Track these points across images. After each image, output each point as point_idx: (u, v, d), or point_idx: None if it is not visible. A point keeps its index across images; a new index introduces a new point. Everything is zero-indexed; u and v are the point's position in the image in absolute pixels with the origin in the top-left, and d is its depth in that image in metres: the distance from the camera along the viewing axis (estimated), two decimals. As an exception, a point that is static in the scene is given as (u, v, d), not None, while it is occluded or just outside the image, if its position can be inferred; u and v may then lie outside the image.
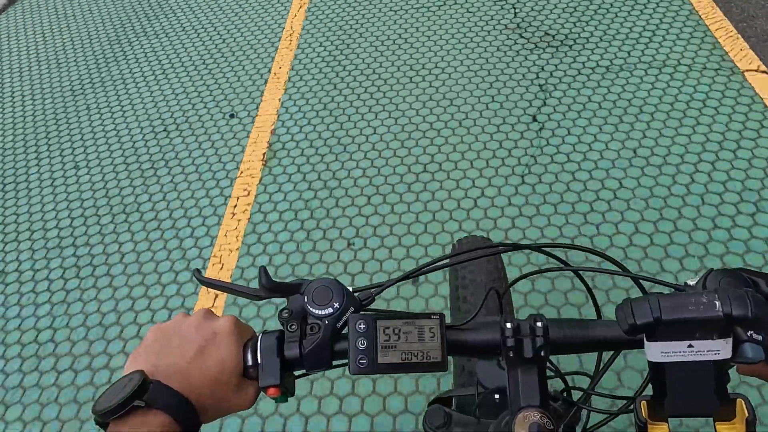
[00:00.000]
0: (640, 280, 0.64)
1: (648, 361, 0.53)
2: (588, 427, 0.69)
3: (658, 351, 0.51)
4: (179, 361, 0.54)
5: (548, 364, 0.61)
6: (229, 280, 2.02)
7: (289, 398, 0.60)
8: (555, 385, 0.66)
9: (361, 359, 0.56)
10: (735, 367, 0.53)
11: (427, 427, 0.68)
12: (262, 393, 0.59)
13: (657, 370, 0.52)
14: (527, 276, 0.72)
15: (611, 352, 0.66)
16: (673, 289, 0.59)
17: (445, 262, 0.66)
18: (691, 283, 0.58)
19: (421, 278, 1.92)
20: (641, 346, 0.53)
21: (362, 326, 0.57)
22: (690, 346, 0.50)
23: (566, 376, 0.68)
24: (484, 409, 0.70)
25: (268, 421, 1.67)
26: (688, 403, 0.52)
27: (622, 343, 0.58)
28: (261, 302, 1.93)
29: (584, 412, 0.69)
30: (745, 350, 0.48)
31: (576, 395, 0.70)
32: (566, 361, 1.62)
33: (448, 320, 0.62)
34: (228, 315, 0.60)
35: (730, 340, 0.49)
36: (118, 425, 0.48)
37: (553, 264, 0.68)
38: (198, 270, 0.64)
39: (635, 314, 0.50)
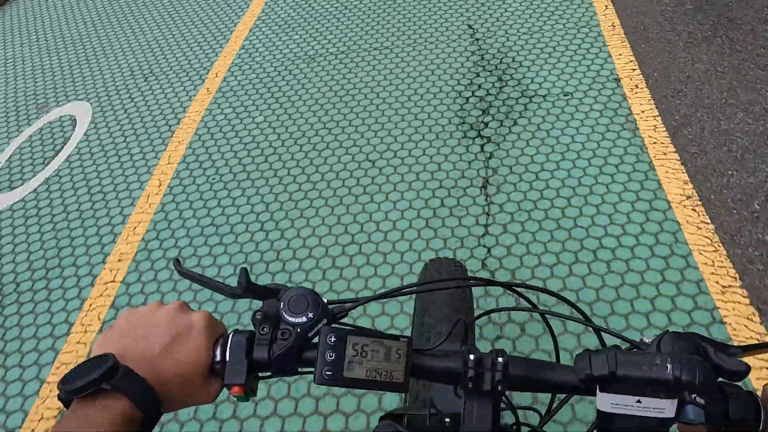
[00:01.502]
0: (602, 332, 0.66)
1: (597, 410, 0.54)
2: None
3: (608, 402, 0.53)
4: (149, 350, 0.56)
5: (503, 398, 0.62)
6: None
7: (250, 398, 0.61)
8: (506, 418, 0.68)
9: (327, 371, 0.58)
10: (677, 425, 0.55)
11: None
12: (225, 390, 0.60)
13: (605, 420, 0.55)
14: (494, 312, 0.73)
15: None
16: (629, 344, 0.61)
17: (424, 287, 0.68)
18: (647, 341, 0.60)
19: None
20: (593, 394, 0.55)
21: (333, 339, 0.58)
22: (638, 401, 0.52)
23: (517, 411, 0.69)
24: (435, 431, 0.72)
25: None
26: None
27: (576, 388, 0.59)
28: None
29: None
30: (687, 412, 0.52)
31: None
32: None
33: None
34: (203, 310, 0.62)
35: (675, 401, 0.52)
36: (82, 404, 0.50)
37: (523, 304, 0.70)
38: (178, 260, 0.64)
39: (593, 365, 0.52)
